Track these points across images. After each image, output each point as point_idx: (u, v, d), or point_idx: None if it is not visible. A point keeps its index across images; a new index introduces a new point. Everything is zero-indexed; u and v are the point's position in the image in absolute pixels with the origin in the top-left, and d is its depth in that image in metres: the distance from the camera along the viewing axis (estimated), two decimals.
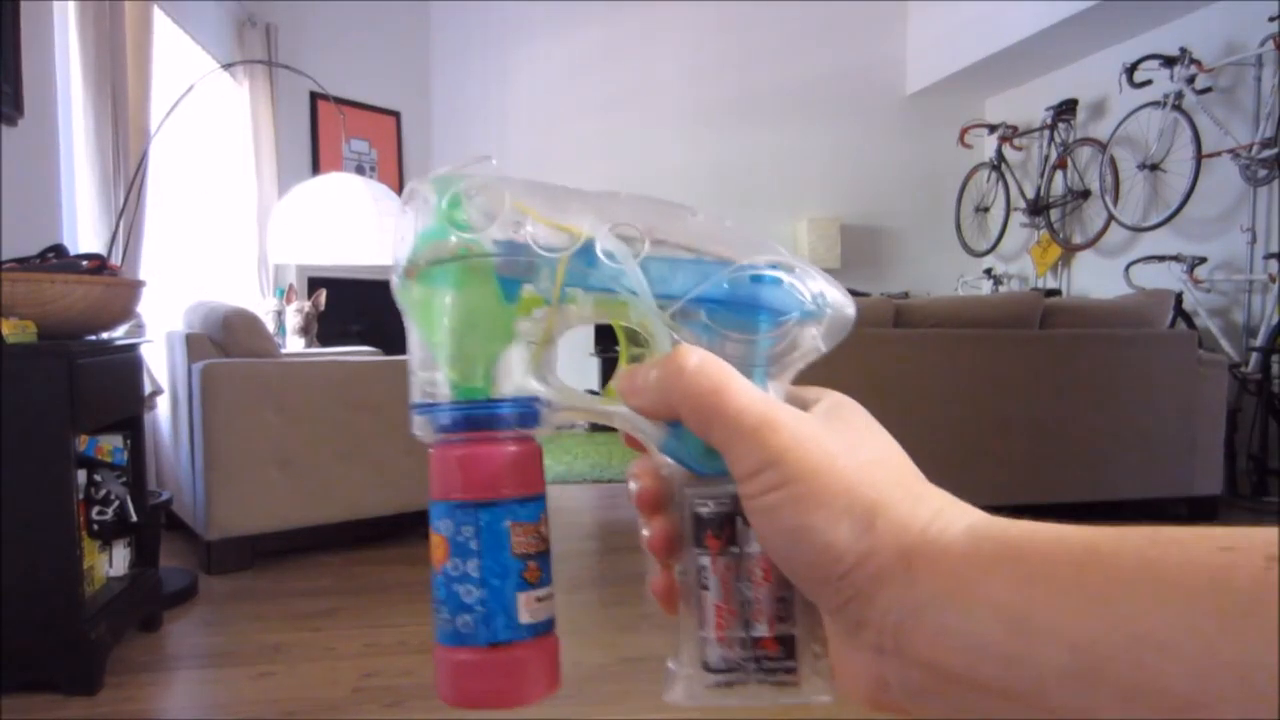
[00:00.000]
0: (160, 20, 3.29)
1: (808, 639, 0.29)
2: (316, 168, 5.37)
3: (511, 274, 0.31)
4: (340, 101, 4.15)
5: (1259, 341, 3.91)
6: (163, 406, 2.90)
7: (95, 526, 2.03)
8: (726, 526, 0.29)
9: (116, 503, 2.07)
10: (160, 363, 2.83)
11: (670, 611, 0.31)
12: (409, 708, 1.76)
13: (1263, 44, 4.00)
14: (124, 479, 2.14)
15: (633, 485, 0.31)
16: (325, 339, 4.68)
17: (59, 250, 2.07)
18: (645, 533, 0.31)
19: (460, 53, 6.16)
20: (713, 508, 0.29)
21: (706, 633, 0.30)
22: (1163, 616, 0.20)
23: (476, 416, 0.31)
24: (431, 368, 0.32)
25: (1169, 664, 0.20)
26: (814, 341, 0.32)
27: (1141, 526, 0.22)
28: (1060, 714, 0.22)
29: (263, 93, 4.69)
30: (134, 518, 2.12)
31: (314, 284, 5.19)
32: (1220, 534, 0.21)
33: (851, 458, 0.27)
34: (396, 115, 5.93)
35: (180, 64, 3.90)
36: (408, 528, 3.06)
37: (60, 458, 1.82)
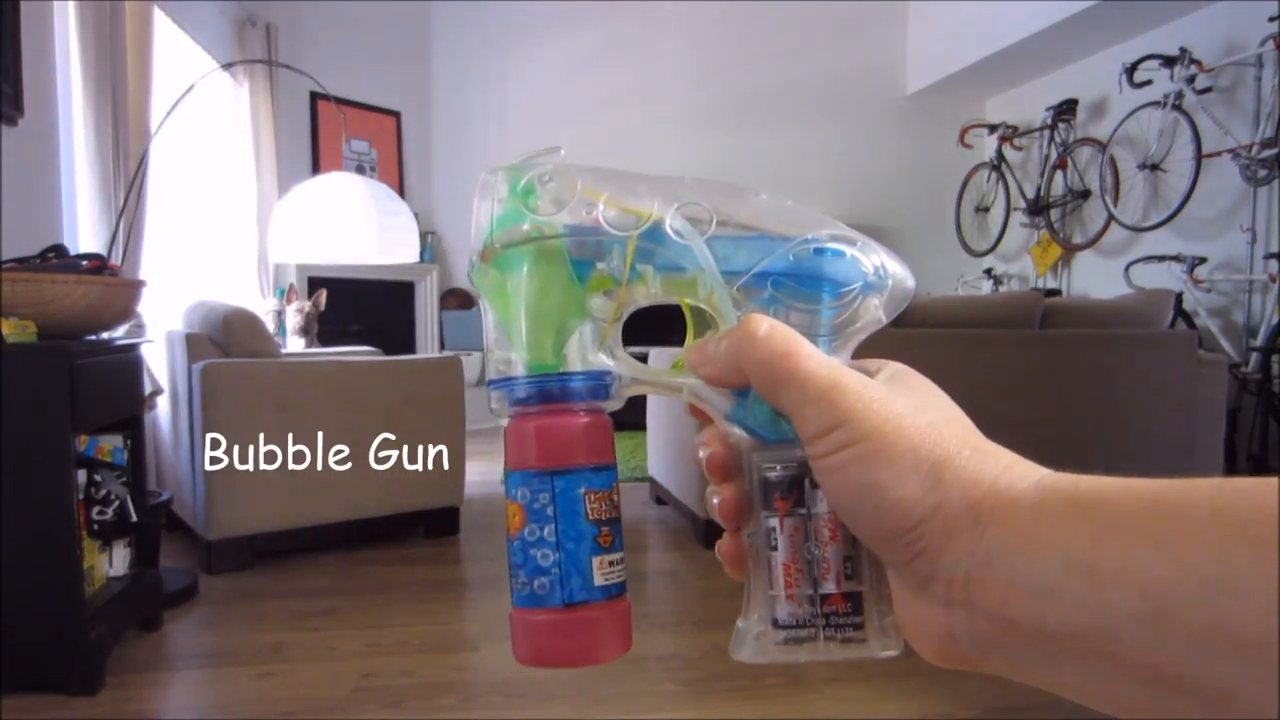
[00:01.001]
0: (160, 20, 3.29)
1: (874, 596, 0.30)
2: (316, 168, 5.37)
3: (582, 255, 0.33)
4: (340, 101, 4.15)
5: (1259, 341, 3.91)
6: (163, 406, 2.90)
7: (95, 526, 2.03)
8: (794, 489, 0.30)
9: (116, 503, 2.07)
10: (160, 363, 2.83)
11: (737, 575, 0.32)
12: (409, 708, 1.76)
13: (1263, 44, 4.00)
14: (124, 479, 2.14)
15: (702, 453, 0.32)
16: (325, 339, 4.67)
17: (59, 250, 2.07)
18: (715, 500, 0.32)
19: (460, 53, 6.16)
20: (780, 471, 0.30)
21: (775, 591, 0.30)
22: (1233, 562, 0.21)
23: (551, 389, 0.32)
24: (506, 347, 0.34)
25: (1239, 606, 0.20)
26: (875, 312, 0.33)
27: (1206, 479, 0.23)
28: (1130, 656, 0.22)
29: (263, 93, 4.69)
30: (134, 518, 2.12)
31: (314, 284, 5.19)
32: None
33: (917, 418, 0.27)
34: (396, 115, 5.93)
35: (180, 64, 3.89)
36: (408, 528, 3.06)
37: (60, 458, 1.82)
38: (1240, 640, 0.20)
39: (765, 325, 0.30)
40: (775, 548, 0.30)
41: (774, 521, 0.30)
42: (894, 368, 0.31)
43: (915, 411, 0.28)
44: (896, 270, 0.33)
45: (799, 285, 0.32)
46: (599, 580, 0.31)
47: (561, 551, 0.31)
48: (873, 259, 0.33)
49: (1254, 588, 0.20)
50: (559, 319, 0.33)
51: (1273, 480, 0.22)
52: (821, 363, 0.29)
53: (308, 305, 4.05)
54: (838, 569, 0.30)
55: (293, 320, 4.01)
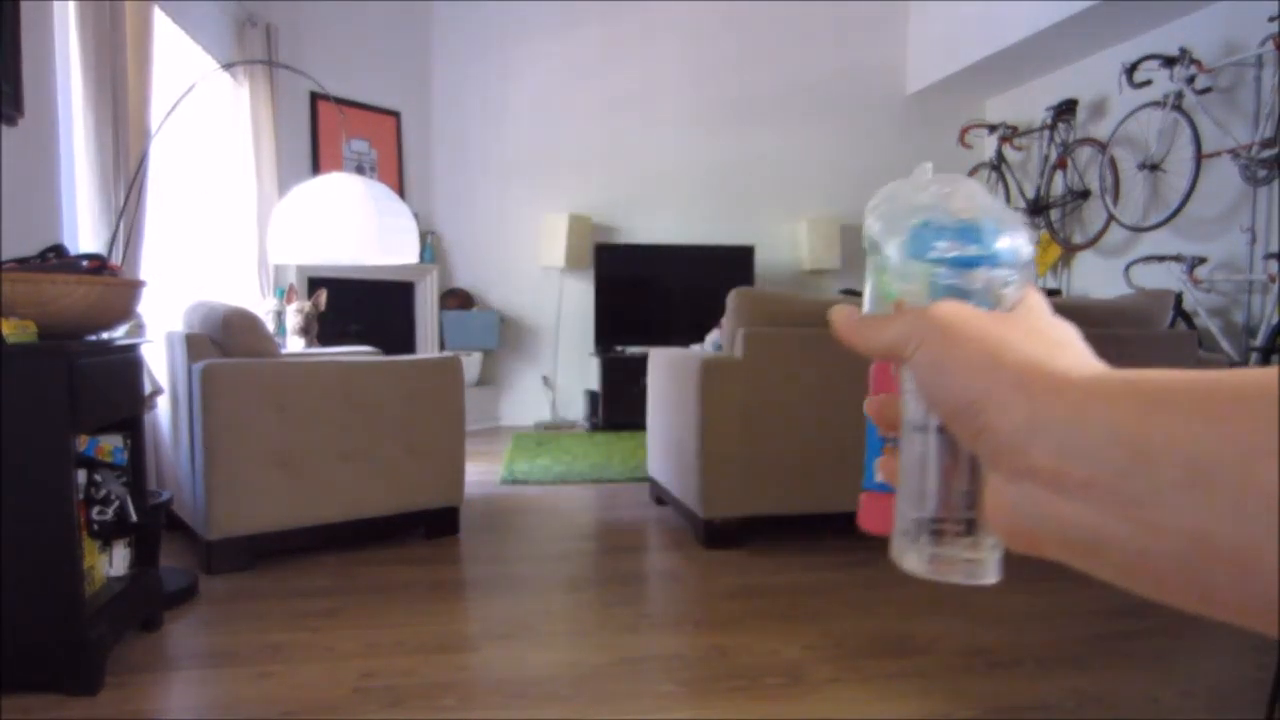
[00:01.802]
0: (160, 20, 3.29)
1: (926, 525, 0.34)
2: (316, 168, 5.38)
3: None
4: (340, 101, 4.15)
5: (1259, 341, 3.91)
6: (163, 406, 2.90)
7: (95, 526, 2.03)
8: (905, 431, 0.35)
9: (116, 503, 2.07)
10: (160, 363, 2.83)
11: (892, 481, 0.37)
12: (409, 708, 1.76)
13: (1263, 44, 4.00)
14: (124, 479, 2.14)
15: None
16: (325, 339, 4.67)
17: (59, 250, 2.07)
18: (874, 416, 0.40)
19: (460, 53, 6.16)
20: (913, 411, 0.35)
21: (902, 509, 0.35)
22: (1276, 430, 0.22)
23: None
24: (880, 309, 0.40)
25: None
26: (1009, 283, 0.35)
27: (1257, 369, 0.25)
28: (1175, 520, 0.24)
29: (263, 93, 4.69)
30: (134, 518, 2.12)
31: (314, 284, 5.20)
32: None
33: (987, 319, 0.31)
34: (396, 115, 5.93)
35: (180, 64, 3.90)
36: (408, 528, 3.06)
37: (60, 458, 1.82)
38: (1273, 502, 0.22)
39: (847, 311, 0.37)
40: (908, 473, 0.35)
41: (917, 446, 0.35)
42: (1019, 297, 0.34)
43: (992, 316, 0.31)
44: (1027, 248, 0.36)
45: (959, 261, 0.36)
46: (879, 478, 0.41)
47: (867, 454, 0.42)
48: (1015, 238, 0.35)
49: None
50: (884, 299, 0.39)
51: None
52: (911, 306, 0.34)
53: (307, 305, 4.05)
54: (949, 497, 0.34)
55: (293, 320, 4.01)
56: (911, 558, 0.35)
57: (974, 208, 0.34)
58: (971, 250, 0.34)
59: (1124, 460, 0.25)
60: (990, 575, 0.34)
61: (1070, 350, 0.31)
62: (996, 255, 0.34)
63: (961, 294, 0.34)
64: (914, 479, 0.35)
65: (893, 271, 0.37)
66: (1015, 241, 0.34)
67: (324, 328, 4.36)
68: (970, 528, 0.34)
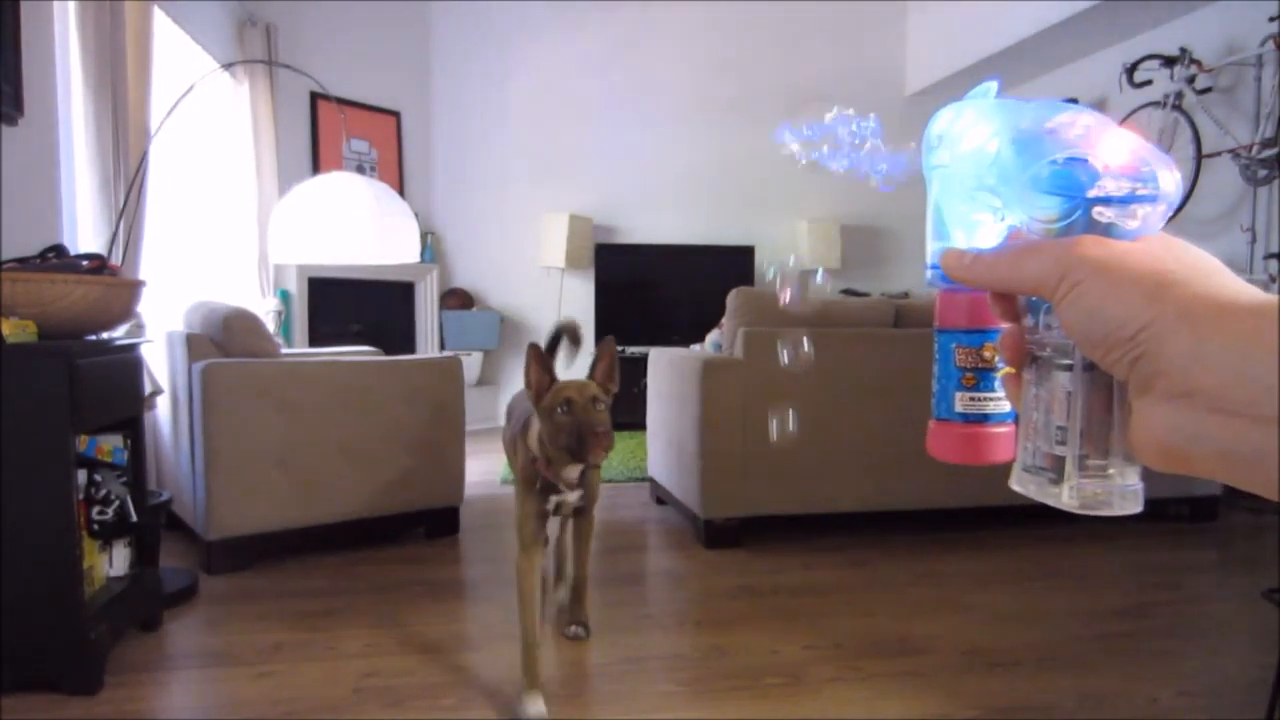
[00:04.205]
0: (160, 20, 3.29)
1: (1075, 460, 0.36)
2: (316, 167, 5.37)
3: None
4: (340, 101, 4.15)
5: None
6: (163, 406, 2.90)
7: (95, 526, 2.03)
8: (1039, 367, 0.37)
9: (116, 503, 2.07)
10: (160, 363, 2.83)
11: (1016, 405, 0.39)
12: (409, 708, 1.76)
13: (1263, 44, 4.00)
14: (124, 479, 2.14)
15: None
16: (325, 339, 4.67)
17: (59, 250, 2.07)
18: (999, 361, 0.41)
19: (460, 53, 6.16)
20: (1035, 351, 0.37)
21: (1021, 440, 0.38)
22: None
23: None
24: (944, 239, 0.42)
25: None
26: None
27: None
28: None
29: (263, 93, 4.69)
30: (134, 518, 2.12)
31: (314, 284, 5.20)
32: None
33: (1142, 254, 0.32)
34: (396, 115, 5.93)
35: (180, 64, 3.90)
36: (408, 528, 3.06)
37: (60, 458, 1.82)
38: None
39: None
40: (1024, 409, 0.38)
41: (1029, 390, 0.37)
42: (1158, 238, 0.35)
43: (1143, 251, 0.32)
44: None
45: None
46: (958, 408, 0.43)
47: (939, 384, 0.43)
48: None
49: None
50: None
51: None
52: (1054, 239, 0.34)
53: None
54: (1095, 431, 0.35)
55: None
56: (1056, 493, 0.36)
57: (1128, 145, 0.34)
58: (1137, 188, 0.33)
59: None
60: (1139, 504, 0.36)
61: (1221, 276, 0.31)
62: (1159, 193, 0.33)
63: (1103, 229, 0.33)
64: (1055, 414, 0.36)
65: (1013, 202, 0.36)
66: (1175, 177, 0.34)
67: (324, 328, 4.36)
68: (1111, 460, 0.35)
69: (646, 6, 6.29)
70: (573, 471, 1.81)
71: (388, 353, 3.40)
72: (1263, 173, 4.00)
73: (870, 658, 2.02)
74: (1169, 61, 4.39)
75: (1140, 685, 1.88)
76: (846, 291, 6.03)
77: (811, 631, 2.18)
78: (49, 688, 1.80)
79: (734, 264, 6.21)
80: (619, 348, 6.06)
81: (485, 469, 4.38)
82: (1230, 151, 4.13)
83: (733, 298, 2.99)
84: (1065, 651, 2.06)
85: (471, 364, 5.88)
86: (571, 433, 1.65)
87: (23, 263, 1.96)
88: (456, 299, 6.16)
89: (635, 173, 6.35)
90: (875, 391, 2.95)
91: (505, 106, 6.23)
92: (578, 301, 6.26)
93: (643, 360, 3.55)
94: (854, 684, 1.88)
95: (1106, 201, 0.33)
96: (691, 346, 3.63)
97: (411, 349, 5.77)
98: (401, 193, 5.79)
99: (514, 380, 6.35)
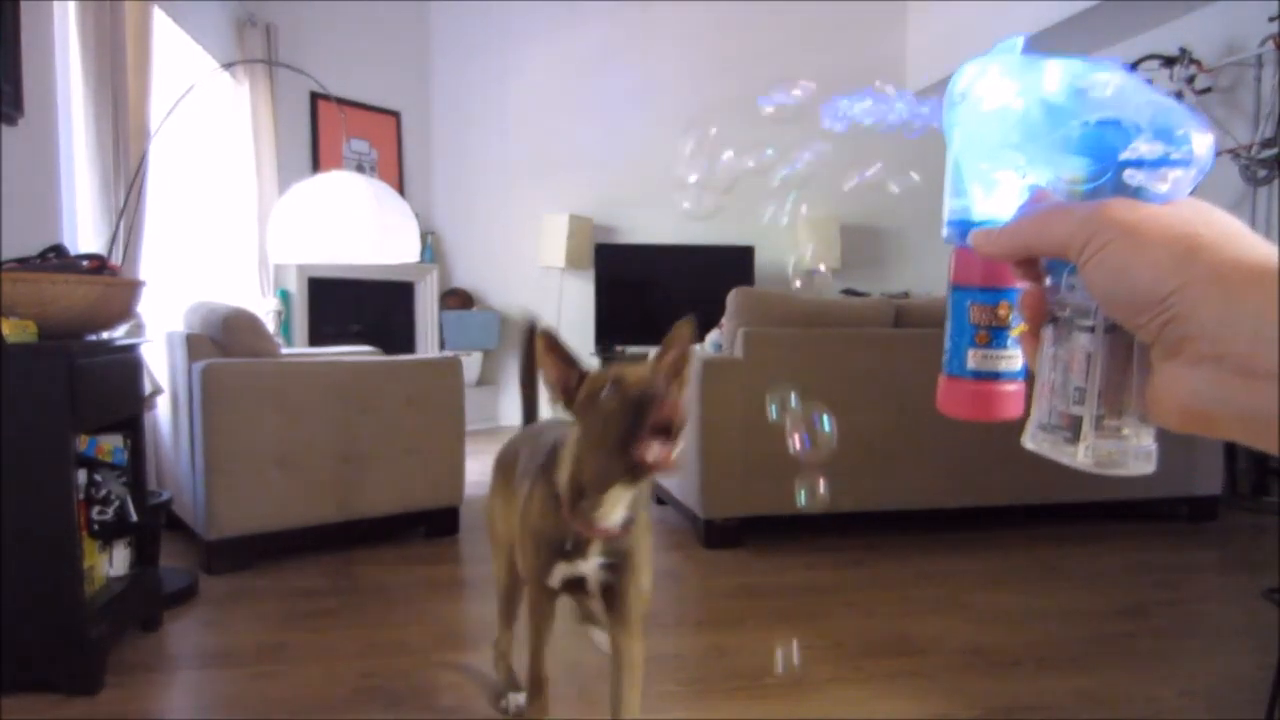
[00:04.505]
0: (160, 20, 3.29)
1: (1092, 420, 0.36)
2: (316, 167, 5.37)
3: None
4: (340, 101, 4.15)
5: None
6: (163, 406, 2.90)
7: (95, 526, 2.03)
8: (1059, 327, 0.37)
9: (116, 503, 2.07)
10: (160, 363, 2.83)
11: (1031, 365, 0.39)
12: (409, 708, 1.76)
13: (1263, 44, 4.00)
14: (124, 479, 2.14)
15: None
16: (325, 339, 4.67)
17: (59, 250, 2.07)
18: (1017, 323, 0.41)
19: (460, 53, 6.16)
20: (1055, 311, 0.37)
21: (1036, 399, 0.38)
22: None
23: (966, 232, 0.42)
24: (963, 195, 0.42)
25: None
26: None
27: None
28: None
29: (263, 92, 4.69)
30: (134, 518, 2.12)
31: (314, 284, 5.20)
32: None
33: (1171, 216, 0.32)
34: (396, 115, 5.93)
35: (180, 64, 3.89)
36: (407, 528, 3.06)
37: (60, 458, 1.82)
38: None
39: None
40: (1041, 368, 0.38)
41: (1047, 349, 0.37)
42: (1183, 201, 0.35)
43: (1172, 214, 0.32)
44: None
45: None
46: (970, 365, 0.42)
47: (951, 340, 0.43)
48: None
49: None
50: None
51: None
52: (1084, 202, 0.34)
53: None
54: (1114, 391, 0.35)
55: None
56: (1072, 451, 0.36)
57: (1162, 107, 0.33)
58: (1170, 152, 0.33)
59: None
60: (1152, 464, 0.36)
61: (1249, 240, 0.31)
62: (1192, 157, 0.33)
63: (1132, 192, 0.33)
64: (1073, 374, 0.36)
65: (1040, 161, 0.36)
66: (1208, 141, 0.33)
67: (324, 328, 4.36)
68: (1127, 420, 0.35)
69: (646, 6, 6.29)
70: (614, 507, 1.26)
71: (388, 353, 3.40)
72: (1262, 173, 4.00)
73: (870, 658, 2.02)
74: (1169, 61, 4.39)
75: (1140, 685, 1.88)
76: (846, 291, 6.03)
77: (811, 631, 2.18)
78: (49, 688, 1.80)
79: (734, 264, 6.21)
80: (618, 348, 6.07)
81: (485, 469, 4.37)
82: (1230, 152, 4.13)
83: (733, 298, 2.99)
84: (1065, 651, 2.06)
85: (471, 364, 5.88)
86: (627, 414, 1.14)
87: (23, 263, 1.96)
88: (456, 299, 6.16)
89: (635, 173, 6.34)
90: (875, 391, 2.95)
91: (505, 106, 6.23)
92: (578, 301, 6.26)
93: (642, 360, 3.56)
94: (854, 684, 1.88)
95: (1138, 164, 0.33)
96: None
97: (411, 349, 5.77)
98: (401, 192, 5.79)
99: (514, 380, 6.34)
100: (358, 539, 2.93)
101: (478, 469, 4.29)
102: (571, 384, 1.27)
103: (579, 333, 6.30)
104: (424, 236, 5.68)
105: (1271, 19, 3.88)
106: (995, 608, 2.37)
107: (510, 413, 6.36)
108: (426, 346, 5.87)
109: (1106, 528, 3.15)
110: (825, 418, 0.86)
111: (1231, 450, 3.52)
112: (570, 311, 6.30)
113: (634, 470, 1.16)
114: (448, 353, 5.29)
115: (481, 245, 6.29)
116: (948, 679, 1.91)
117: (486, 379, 6.17)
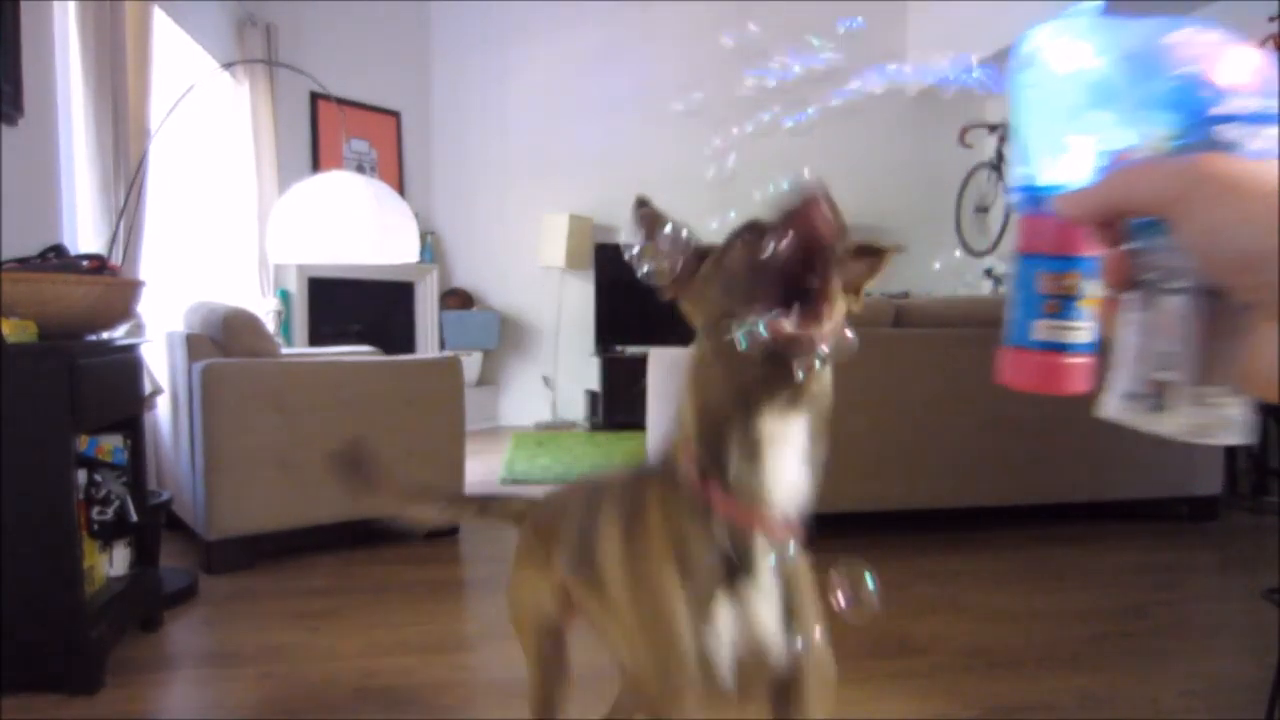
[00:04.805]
0: (160, 20, 3.29)
1: (1184, 387, 0.35)
2: (316, 167, 5.37)
3: None
4: (340, 101, 4.15)
5: None
6: (163, 406, 2.90)
7: (95, 526, 2.03)
8: (1145, 292, 0.36)
9: (116, 503, 2.07)
10: (160, 363, 2.83)
11: (1108, 331, 0.38)
12: (409, 708, 1.76)
13: (1263, 44, 4.00)
14: (124, 479, 2.14)
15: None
16: (325, 339, 4.67)
17: (59, 250, 2.07)
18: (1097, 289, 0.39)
19: (460, 53, 6.16)
20: (1140, 274, 0.36)
21: (1120, 366, 0.37)
22: None
23: (1034, 199, 0.41)
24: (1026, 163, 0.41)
25: None
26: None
27: None
28: None
29: (263, 92, 4.69)
30: (134, 518, 2.12)
31: (314, 284, 5.20)
32: None
33: (1275, 174, 0.30)
34: (396, 115, 5.93)
35: (180, 64, 3.90)
36: (407, 528, 3.06)
37: (60, 458, 1.82)
38: None
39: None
40: (1122, 335, 0.37)
41: (1131, 315, 0.36)
42: None
43: (1271, 170, 0.30)
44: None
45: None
46: (1036, 336, 0.42)
47: (1017, 310, 0.42)
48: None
49: None
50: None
51: None
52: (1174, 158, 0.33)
53: None
54: (1205, 358, 0.34)
55: None
56: (1160, 420, 0.35)
57: (1254, 64, 0.33)
58: (1268, 107, 0.32)
59: None
60: (1242, 434, 0.35)
61: None
62: None
63: (1224, 149, 0.32)
64: (1161, 339, 0.35)
65: (1124, 121, 0.34)
66: None
67: (324, 328, 4.36)
68: (1219, 388, 0.34)
69: (646, 6, 6.29)
70: (778, 458, 0.82)
71: (388, 353, 3.40)
72: None
73: (870, 658, 2.01)
74: None
75: (1140, 685, 1.88)
76: None
77: None
78: (49, 688, 1.80)
79: None
80: (618, 348, 6.06)
81: (485, 469, 4.38)
82: None
83: None
84: (1065, 651, 2.06)
85: (471, 364, 5.88)
86: (783, 262, 0.73)
87: (23, 263, 1.96)
88: (456, 299, 6.16)
89: (635, 173, 6.34)
90: (875, 391, 2.94)
91: (505, 106, 6.23)
92: (578, 301, 6.27)
93: (643, 360, 3.55)
94: (854, 684, 1.87)
95: (1231, 120, 0.32)
96: (692, 346, 3.63)
97: (411, 349, 5.77)
98: (401, 193, 5.79)
99: (514, 380, 6.35)
100: (358, 539, 2.93)
101: (478, 469, 4.29)
102: (689, 271, 0.89)
103: (579, 333, 6.31)
104: (424, 236, 5.68)
105: (1271, 19, 3.89)
106: (995, 608, 2.37)
107: (510, 412, 6.36)
108: (426, 346, 5.87)
109: (1106, 528, 3.15)
110: (869, 575, 0.83)
111: (1231, 450, 3.52)
112: (570, 311, 6.30)
113: (778, 365, 0.74)
114: (448, 353, 5.29)
115: (481, 245, 6.29)
116: (948, 679, 1.91)
117: (486, 379, 6.17)
